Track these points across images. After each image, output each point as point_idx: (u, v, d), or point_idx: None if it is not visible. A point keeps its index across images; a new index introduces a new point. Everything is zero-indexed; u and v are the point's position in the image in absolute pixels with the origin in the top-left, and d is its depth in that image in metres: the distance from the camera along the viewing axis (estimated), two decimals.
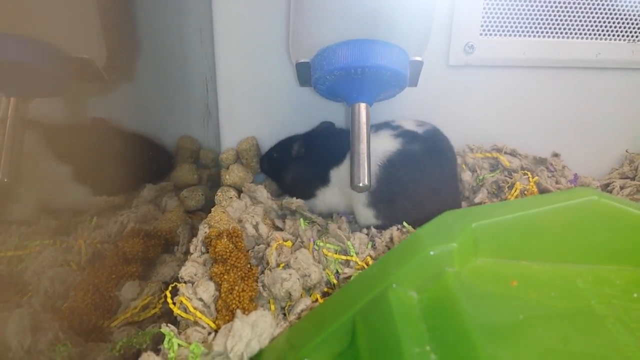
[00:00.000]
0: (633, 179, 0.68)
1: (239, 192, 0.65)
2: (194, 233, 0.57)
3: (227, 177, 0.65)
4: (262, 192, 0.62)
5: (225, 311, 0.45)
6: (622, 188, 0.65)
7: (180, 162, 0.66)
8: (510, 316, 0.29)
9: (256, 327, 0.38)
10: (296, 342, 0.36)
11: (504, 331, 0.28)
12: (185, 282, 0.49)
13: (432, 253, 0.32)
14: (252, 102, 0.69)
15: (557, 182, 0.64)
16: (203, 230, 0.55)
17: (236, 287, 0.45)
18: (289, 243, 0.54)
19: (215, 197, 0.63)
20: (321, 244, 0.53)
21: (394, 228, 0.54)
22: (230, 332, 0.37)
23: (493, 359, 0.26)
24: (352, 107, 0.55)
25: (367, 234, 0.55)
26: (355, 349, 0.31)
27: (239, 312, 0.39)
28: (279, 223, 0.59)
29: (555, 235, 0.33)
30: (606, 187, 0.67)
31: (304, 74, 0.58)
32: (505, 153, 0.67)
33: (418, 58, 0.57)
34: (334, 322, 0.34)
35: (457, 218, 0.34)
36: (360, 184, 0.52)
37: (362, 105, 0.55)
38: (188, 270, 0.50)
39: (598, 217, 0.33)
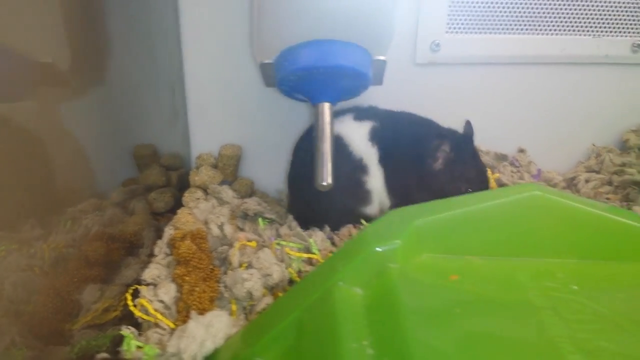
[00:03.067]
0: (599, 172, 0.69)
1: (207, 193, 0.65)
2: (160, 235, 0.57)
3: (196, 178, 0.65)
4: (227, 192, 0.62)
5: (186, 312, 0.45)
6: (587, 181, 0.66)
7: (150, 164, 0.66)
8: (448, 308, 0.30)
9: (211, 328, 0.38)
10: (249, 340, 0.36)
11: (440, 321, 0.29)
12: (147, 285, 0.49)
13: (376, 250, 0.32)
14: (222, 104, 0.69)
15: (520, 178, 0.65)
16: (168, 232, 0.55)
17: (196, 289, 0.46)
18: (254, 243, 0.54)
19: (183, 198, 0.63)
20: (283, 242, 0.53)
21: (351, 226, 0.54)
22: (184, 334, 0.37)
23: (423, 345, 0.26)
24: (316, 107, 0.55)
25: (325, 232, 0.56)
26: (301, 346, 0.32)
27: (193, 313, 0.39)
28: (240, 223, 0.59)
29: (499, 231, 0.34)
30: (572, 181, 0.68)
31: (269, 74, 0.58)
32: None
33: (381, 57, 0.58)
34: (283, 320, 0.34)
35: (402, 216, 0.34)
36: (324, 183, 0.52)
37: (326, 105, 0.55)
38: (151, 272, 0.50)
39: (541, 212, 0.34)
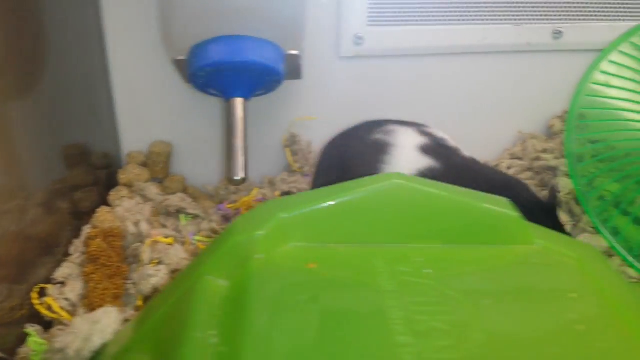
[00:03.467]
0: (522, 159, 0.70)
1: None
2: (78, 234, 0.58)
3: (123, 176, 0.66)
4: (151, 189, 0.62)
5: (89, 309, 0.46)
6: (508, 168, 0.68)
7: (79, 163, 0.67)
8: (298, 295, 0.31)
9: (98, 324, 0.39)
10: (133, 332, 0.37)
11: (286, 308, 0.30)
12: (58, 283, 0.50)
13: (240, 241, 0.33)
14: (151, 101, 0.70)
15: None
16: (86, 231, 0.56)
17: (99, 286, 0.46)
18: (170, 240, 0.55)
19: (108, 197, 0.64)
20: (198, 238, 0.54)
21: None
22: (70, 330, 0.38)
23: (262, 331, 0.27)
24: (228, 102, 0.56)
25: None
26: (164, 339, 0.32)
27: (81, 310, 0.40)
28: (163, 220, 0.60)
29: (362, 219, 0.35)
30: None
31: (184, 71, 0.59)
32: None
33: (294, 52, 0.59)
34: (156, 313, 0.35)
35: (269, 208, 0.35)
36: (236, 177, 0.53)
37: (238, 100, 0.56)
38: (63, 271, 0.51)
39: (402, 200, 0.35)
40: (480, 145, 0.75)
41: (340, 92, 0.71)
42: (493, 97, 0.74)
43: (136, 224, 0.56)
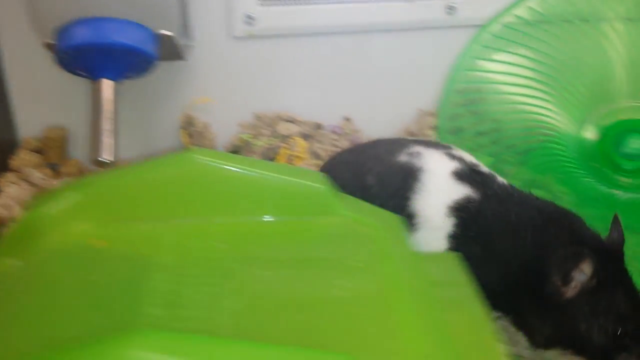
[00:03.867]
0: (418, 135, 0.71)
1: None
2: None
3: (14, 162, 0.66)
4: (34, 174, 0.62)
5: None
6: None
7: None
8: (79, 271, 0.31)
9: None
10: None
11: (64, 286, 0.30)
12: None
13: (31, 220, 0.34)
14: (46, 86, 0.69)
15: (336, 146, 0.67)
16: None
17: None
18: None
19: None
20: None
21: None
22: None
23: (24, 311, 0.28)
24: (95, 83, 0.56)
25: None
26: None
27: None
28: None
29: (158, 196, 0.35)
30: None
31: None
32: (287, 121, 0.69)
33: (167, 32, 0.58)
34: None
35: (66, 187, 0.35)
36: (99, 158, 0.53)
37: (105, 82, 0.56)
38: None
39: (200, 175, 0.35)
40: (383, 123, 0.75)
41: (236, 73, 0.71)
42: (391, 75, 0.74)
43: (7, 207, 0.56)
